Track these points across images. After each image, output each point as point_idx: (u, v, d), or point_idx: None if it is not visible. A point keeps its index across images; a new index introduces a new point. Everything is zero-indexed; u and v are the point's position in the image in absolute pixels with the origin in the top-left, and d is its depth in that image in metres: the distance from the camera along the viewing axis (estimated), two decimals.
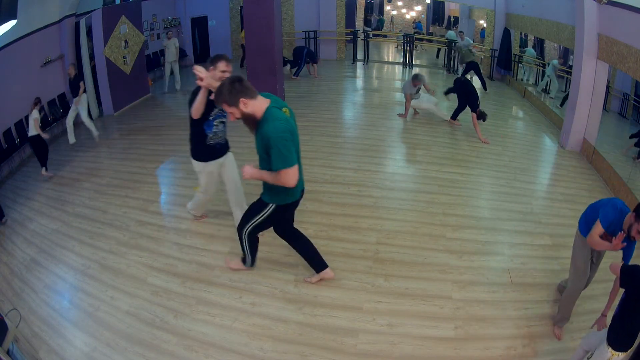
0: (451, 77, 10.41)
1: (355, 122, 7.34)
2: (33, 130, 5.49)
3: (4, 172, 6.06)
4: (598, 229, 2.52)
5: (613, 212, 2.52)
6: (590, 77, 5.85)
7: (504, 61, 9.89)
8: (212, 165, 3.53)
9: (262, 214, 2.88)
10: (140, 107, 8.58)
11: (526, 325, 2.99)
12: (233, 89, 2.40)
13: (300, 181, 2.77)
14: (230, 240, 3.94)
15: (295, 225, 3.33)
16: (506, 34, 9.80)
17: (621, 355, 2.24)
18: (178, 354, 2.78)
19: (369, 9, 16.85)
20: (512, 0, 9.71)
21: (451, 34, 12.45)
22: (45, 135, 5.66)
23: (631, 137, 5.69)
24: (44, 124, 6.97)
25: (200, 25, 12.16)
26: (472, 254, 3.75)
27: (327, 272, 3.30)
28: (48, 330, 3.05)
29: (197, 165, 3.54)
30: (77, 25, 7.61)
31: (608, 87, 6.10)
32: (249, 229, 3.02)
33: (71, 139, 6.58)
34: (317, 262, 3.27)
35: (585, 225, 2.80)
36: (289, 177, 2.45)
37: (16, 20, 6.10)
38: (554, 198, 4.82)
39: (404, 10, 18.22)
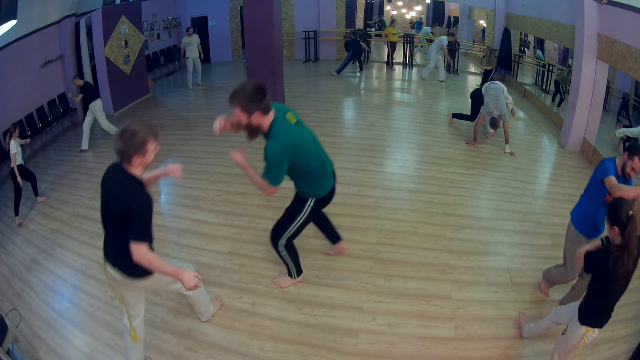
0: (451, 77, 10.41)
1: (355, 122, 7.34)
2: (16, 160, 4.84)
3: (4, 172, 6.05)
4: (611, 180, 2.65)
5: (608, 164, 2.72)
6: (590, 77, 5.85)
7: (504, 61, 9.88)
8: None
9: (303, 212, 2.83)
10: (140, 107, 8.58)
11: None
12: (255, 98, 2.34)
13: (329, 178, 2.82)
14: (230, 240, 3.94)
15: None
16: (506, 34, 9.79)
17: (596, 331, 2.30)
18: (178, 354, 2.78)
19: (368, 9, 16.85)
20: (512, 0, 9.71)
21: (426, 30, 12.41)
22: (19, 180, 4.78)
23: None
24: (44, 125, 6.99)
25: (200, 25, 12.16)
26: (472, 254, 3.75)
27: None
28: (48, 330, 3.05)
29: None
30: (77, 25, 7.61)
31: (608, 87, 6.10)
32: (287, 238, 2.97)
33: (84, 144, 6.41)
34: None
35: (577, 213, 2.99)
36: (266, 189, 2.52)
37: (16, 20, 6.09)
38: (554, 198, 4.81)
39: (404, 10, 18.22)
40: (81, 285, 3.49)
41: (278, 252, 3.09)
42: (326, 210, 4.36)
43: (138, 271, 2.19)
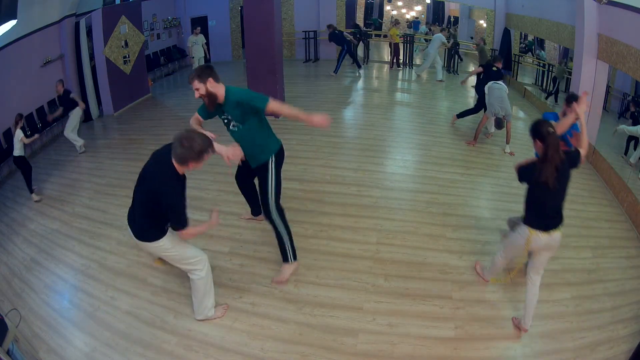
0: (451, 77, 10.42)
1: (355, 122, 7.33)
2: (18, 150, 5.13)
3: (4, 172, 6.06)
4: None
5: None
6: (590, 77, 5.85)
7: (504, 61, 9.88)
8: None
9: (270, 172, 3.13)
10: (140, 107, 8.58)
11: None
12: (205, 71, 2.86)
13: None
14: (230, 240, 3.94)
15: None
16: (506, 34, 9.80)
17: (541, 235, 2.65)
18: (178, 354, 2.78)
19: (368, 9, 16.87)
20: (512, 0, 9.72)
21: (423, 29, 12.41)
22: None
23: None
24: (44, 125, 6.99)
25: (200, 25, 12.15)
26: (472, 254, 3.75)
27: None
28: (48, 330, 3.05)
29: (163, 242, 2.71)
30: (77, 25, 7.60)
31: (608, 87, 6.10)
32: (274, 201, 3.16)
33: (79, 148, 6.43)
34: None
35: None
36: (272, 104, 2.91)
37: (16, 20, 6.10)
38: None
39: (404, 10, 18.22)
40: (81, 285, 3.49)
41: (273, 224, 3.21)
42: (327, 210, 4.39)
43: (143, 236, 2.65)
